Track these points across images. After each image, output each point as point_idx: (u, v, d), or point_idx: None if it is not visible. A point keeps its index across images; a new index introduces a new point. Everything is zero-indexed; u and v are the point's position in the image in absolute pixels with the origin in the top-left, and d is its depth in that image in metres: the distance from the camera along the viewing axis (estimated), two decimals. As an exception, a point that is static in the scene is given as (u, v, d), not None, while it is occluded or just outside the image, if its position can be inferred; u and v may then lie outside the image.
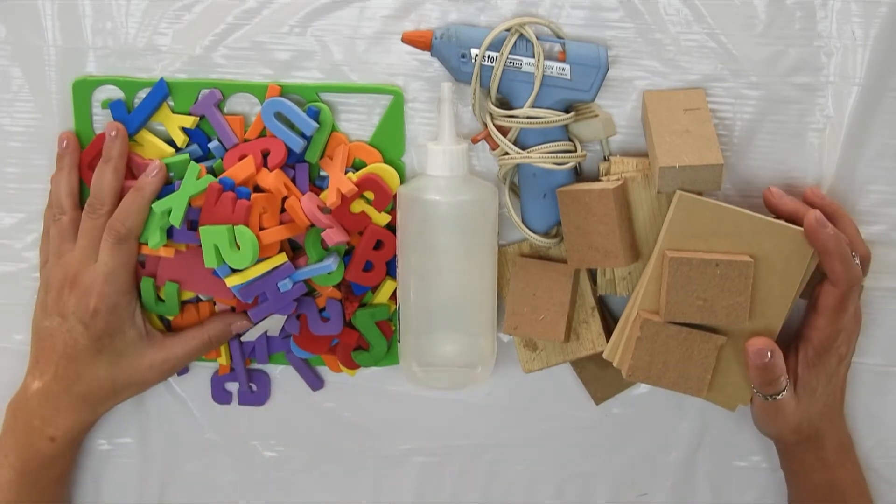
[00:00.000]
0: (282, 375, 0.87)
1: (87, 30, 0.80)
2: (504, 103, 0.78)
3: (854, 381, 0.82)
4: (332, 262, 0.79)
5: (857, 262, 0.74)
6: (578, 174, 0.80)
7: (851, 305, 0.75)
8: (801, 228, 0.72)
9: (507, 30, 0.76)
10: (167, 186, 0.79)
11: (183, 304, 0.83)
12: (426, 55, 0.78)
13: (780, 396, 0.75)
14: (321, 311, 0.82)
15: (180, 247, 0.80)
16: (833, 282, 0.73)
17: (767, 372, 0.73)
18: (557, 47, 0.76)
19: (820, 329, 0.75)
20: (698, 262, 0.71)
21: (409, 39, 0.77)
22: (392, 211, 0.80)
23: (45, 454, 0.81)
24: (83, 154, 0.81)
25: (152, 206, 0.78)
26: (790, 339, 0.78)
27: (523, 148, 0.77)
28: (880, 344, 0.83)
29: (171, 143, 0.81)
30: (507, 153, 0.77)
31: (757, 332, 0.74)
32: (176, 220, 0.77)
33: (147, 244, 0.79)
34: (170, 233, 0.79)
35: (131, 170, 0.81)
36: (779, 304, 0.73)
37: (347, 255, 0.81)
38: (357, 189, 0.79)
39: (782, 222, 0.72)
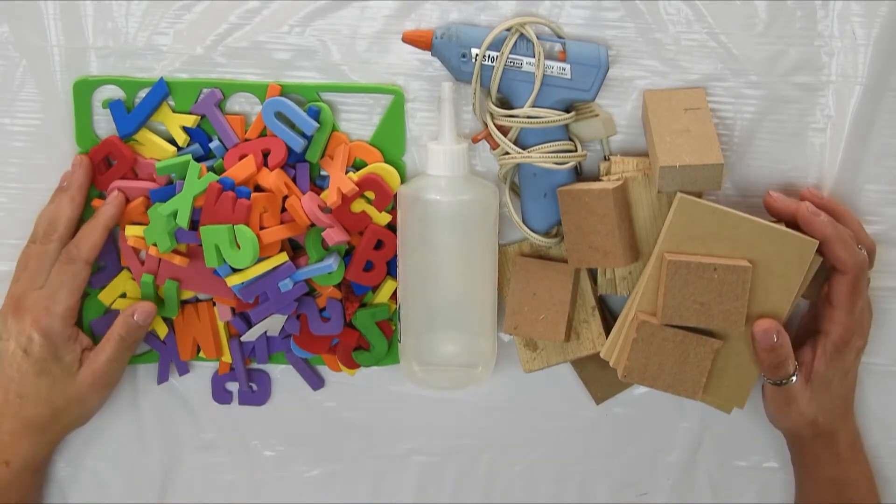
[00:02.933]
0: (282, 375, 0.87)
1: (88, 30, 0.80)
2: (504, 103, 0.78)
3: (858, 381, 0.82)
4: (332, 262, 0.79)
5: (864, 253, 0.74)
6: (579, 174, 0.80)
7: (863, 291, 0.75)
8: (801, 234, 0.72)
9: (508, 29, 0.75)
10: (169, 188, 0.79)
11: (183, 303, 0.83)
12: (427, 55, 0.78)
13: (789, 382, 0.75)
14: (321, 310, 0.82)
15: (181, 247, 0.80)
16: (840, 269, 0.73)
17: (775, 354, 0.73)
18: (558, 47, 0.76)
19: (838, 322, 0.75)
20: (696, 266, 0.71)
21: (409, 39, 0.77)
22: (392, 211, 0.80)
23: (1, 479, 0.80)
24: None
25: (158, 209, 0.78)
26: (806, 336, 0.78)
27: (523, 147, 0.77)
28: (885, 344, 0.82)
29: (172, 142, 0.81)
30: (507, 153, 0.77)
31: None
32: (183, 220, 0.78)
33: (157, 247, 0.79)
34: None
35: (133, 170, 0.81)
36: (777, 309, 0.73)
37: (348, 254, 0.81)
38: (358, 189, 0.79)
39: (782, 227, 0.72)
